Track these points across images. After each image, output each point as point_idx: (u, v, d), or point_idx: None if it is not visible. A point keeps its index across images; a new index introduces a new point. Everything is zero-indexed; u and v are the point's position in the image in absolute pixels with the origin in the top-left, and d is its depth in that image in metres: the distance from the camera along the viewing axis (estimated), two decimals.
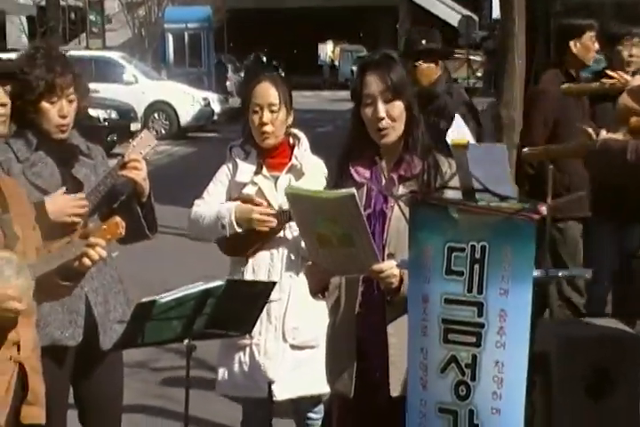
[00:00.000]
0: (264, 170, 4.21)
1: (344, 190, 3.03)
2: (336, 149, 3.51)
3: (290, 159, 4.23)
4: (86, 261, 3.13)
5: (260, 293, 3.72)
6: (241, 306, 3.63)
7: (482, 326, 2.84)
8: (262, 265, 4.17)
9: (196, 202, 4.30)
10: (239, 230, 4.12)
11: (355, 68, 40.03)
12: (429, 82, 5.54)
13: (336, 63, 49.73)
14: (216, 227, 4.13)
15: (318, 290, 3.32)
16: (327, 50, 53.49)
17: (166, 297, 3.43)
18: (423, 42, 5.53)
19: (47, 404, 3.23)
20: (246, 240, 4.17)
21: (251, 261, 4.18)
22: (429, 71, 5.52)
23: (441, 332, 2.90)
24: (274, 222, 4.10)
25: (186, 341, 3.60)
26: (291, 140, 4.28)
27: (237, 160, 4.25)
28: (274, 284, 3.80)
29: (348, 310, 3.29)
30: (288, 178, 4.20)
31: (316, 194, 3.11)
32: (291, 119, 4.24)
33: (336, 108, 30.27)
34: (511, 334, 2.80)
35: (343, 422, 3.37)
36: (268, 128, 4.15)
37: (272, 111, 4.14)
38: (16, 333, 3.07)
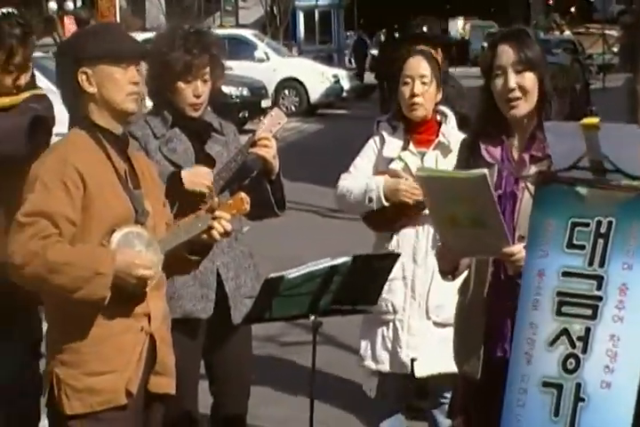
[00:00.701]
0: (411, 146, 4.22)
1: (476, 171, 3.00)
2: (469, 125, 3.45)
3: (437, 136, 4.22)
4: (214, 233, 3.19)
5: (386, 266, 3.72)
6: (367, 281, 3.64)
7: (599, 299, 2.79)
8: (407, 242, 4.17)
9: (343, 176, 4.32)
10: (387, 204, 4.13)
11: (485, 45, 39.52)
12: None
13: (466, 39, 49.16)
14: (363, 200, 4.16)
15: (448, 271, 3.30)
16: (457, 26, 52.91)
17: (293, 273, 3.46)
18: (424, 28, 5.37)
19: (178, 375, 3.32)
20: (393, 215, 4.18)
21: (395, 237, 4.19)
22: None
23: (554, 304, 2.86)
24: (420, 195, 4.08)
25: (312, 317, 3.64)
26: (438, 117, 4.28)
27: (385, 135, 4.26)
28: (398, 255, 3.80)
29: (477, 292, 3.26)
30: (435, 154, 4.19)
31: (447, 174, 3.08)
32: (440, 96, 4.24)
33: (466, 85, 29.96)
34: (631, 308, 2.75)
35: (468, 402, 3.35)
36: (418, 99, 4.15)
37: (423, 83, 4.16)
38: (146, 305, 3.16)
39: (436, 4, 49.13)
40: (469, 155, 3.32)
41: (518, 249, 3.05)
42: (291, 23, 32.41)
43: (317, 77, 23.39)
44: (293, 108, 22.72)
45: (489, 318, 3.24)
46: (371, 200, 4.12)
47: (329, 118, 22.70)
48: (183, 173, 3.74)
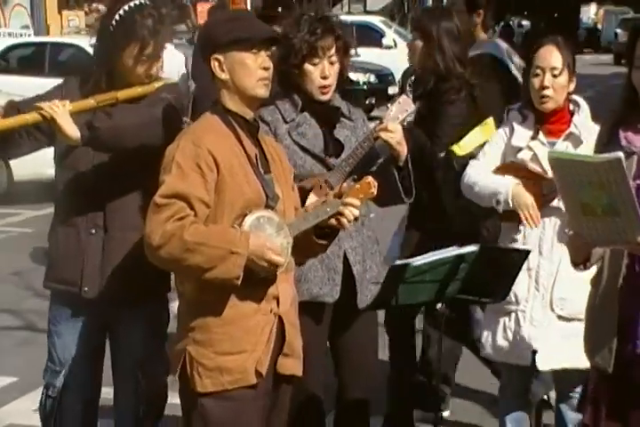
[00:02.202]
0: (540, 135, 4.12)
1: (610, 154, 2.89)
2: (597, 114, 3.37)
3: (568, 126, 4.12)
4: (342, 219, 3.21)
5: (515, 261, 3.68)
6: (494, 273, 3.61)
7: None
8: (533, 233, 4.09)
9: (471, 162, 4.28)
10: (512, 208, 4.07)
11: (619, 31, 38.66)
12: None
13: (599, 26, 48.14)
14: (490, 199, 4.10)
15: (580, 261, 3.22)
16: (590, 12, 51.83)
17: (419, 261, 3.46)
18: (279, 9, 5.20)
19: (305, 357, 3.36)
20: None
21: (522, 228, 4.11)
22: None
23: None
24: (534, 223, 4.02)
25: (439, 305, 3.63)
26: (571, 107, 4.18)
27: (514, 123, 4.19)
28: (528, 252, 3.75)
29: (611, 283, 3.17)
30: (565, 145, 4.09)
31: (580, 158, 2.98)
32: (573, 85, 4.13)
33: (597, 73, 29.28)
34: None
35: (599, 396, 3.26)
36: (547, 92, 4.06)
37: (554, 75, 4.06)
38: (276, 288, 3.21)
39: None
40: (608, 142, 3.24)
41: None
42: (419, 9, 32.20)
43: None
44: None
45: (622, 311, 3.15)
46: (498, 203, 4.06)
47: None
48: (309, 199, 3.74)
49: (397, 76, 21.04)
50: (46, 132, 3.58)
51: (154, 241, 3.06)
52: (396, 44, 23.01)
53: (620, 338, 3.16)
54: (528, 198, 4.02)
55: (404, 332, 5.07)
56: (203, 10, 26.81)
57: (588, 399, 3.34)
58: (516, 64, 5.36)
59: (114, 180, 3.62)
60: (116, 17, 3.57)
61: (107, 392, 3.91)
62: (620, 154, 2.86)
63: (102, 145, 3.53)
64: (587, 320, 3.35)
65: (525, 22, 35.52)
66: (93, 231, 3.65)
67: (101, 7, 22.30)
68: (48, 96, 3.60)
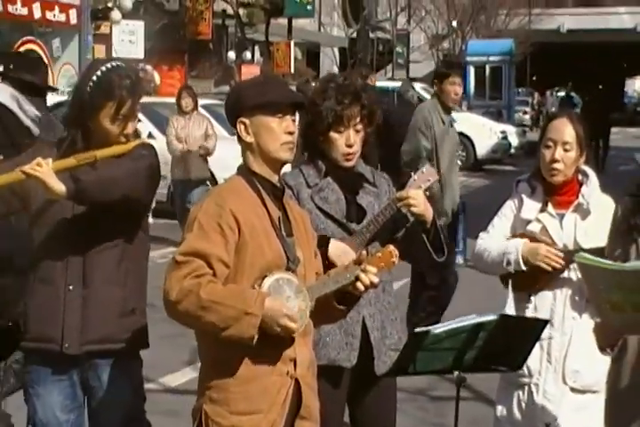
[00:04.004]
0: (549, 207, 4.14)
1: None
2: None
3: (577, 197, 4.14)
4: (359, 285, 3.23)
5: (533, 329, 3.67)
6: (512, 341, 3.60)
7: None
8: (545, 305, 4.10)
9: (481, 235, 4.29)
10: (524, 268, 4.08)
11: None
12: None
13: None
14: (501, 262, 4.11)
15: (606, 346, 3.21)
16: (635, 85, 51.96)
17: (439, 328, 3.46)
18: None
19: (322, 421, 3.37)
20: (530, 278, 4.12)
21: (533, 299, 4.12)
22: None
23: None
24: (560, 263, 4.03)
25: (456, 372, 3.62)
26: (579, 177, 4.19)
27: (523, 196, 4.21)
28: (547, 322, 3.74)
29: (636, 360, 3.16)
30: (574, 217, 4.11)
31: (607, 266, 2.96)
32: (582, 160, 4.14)
33: None
34: None
35: None
36: (558, 165, 4.07)
37: (565, 149, 4.07)
38: (293, 350, 3.22)
39: (612, 62, 48.39)
40: (626, 231, 3.19)
41: None
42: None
43: (485, 133, 23.31)
44: (460, 163, 22.62)
45: None
46: (509, 263, 4.07)
47: (495, 174, 22.52)
48: (331, 245, 3.77)
49: None
50: (21, 197, 3.67)
51: (171, 297, 3.10)
52: None
53: None
54: (540, 247, 4.02)
55: None
56: (247, 71, 27.25)
57: None
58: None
59: (92, 234, 3.66)
60: (94, 77, 3.64)
61: None
62: None
63: (88, 197, 3.55)
64: (609, 396, 3.30)
65: (572, 94, 35.79)
66: (71, 287, 3.67)
67: (148, 67, 22.70)
68: (23, 160, 3.60)
